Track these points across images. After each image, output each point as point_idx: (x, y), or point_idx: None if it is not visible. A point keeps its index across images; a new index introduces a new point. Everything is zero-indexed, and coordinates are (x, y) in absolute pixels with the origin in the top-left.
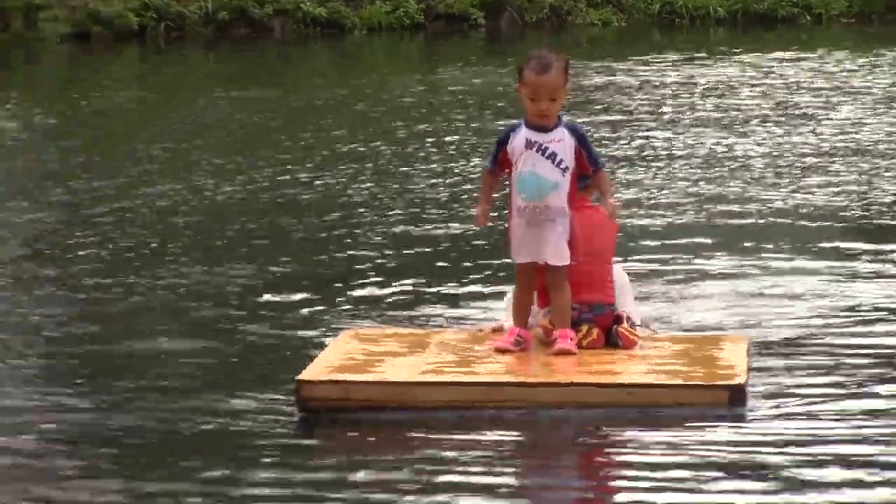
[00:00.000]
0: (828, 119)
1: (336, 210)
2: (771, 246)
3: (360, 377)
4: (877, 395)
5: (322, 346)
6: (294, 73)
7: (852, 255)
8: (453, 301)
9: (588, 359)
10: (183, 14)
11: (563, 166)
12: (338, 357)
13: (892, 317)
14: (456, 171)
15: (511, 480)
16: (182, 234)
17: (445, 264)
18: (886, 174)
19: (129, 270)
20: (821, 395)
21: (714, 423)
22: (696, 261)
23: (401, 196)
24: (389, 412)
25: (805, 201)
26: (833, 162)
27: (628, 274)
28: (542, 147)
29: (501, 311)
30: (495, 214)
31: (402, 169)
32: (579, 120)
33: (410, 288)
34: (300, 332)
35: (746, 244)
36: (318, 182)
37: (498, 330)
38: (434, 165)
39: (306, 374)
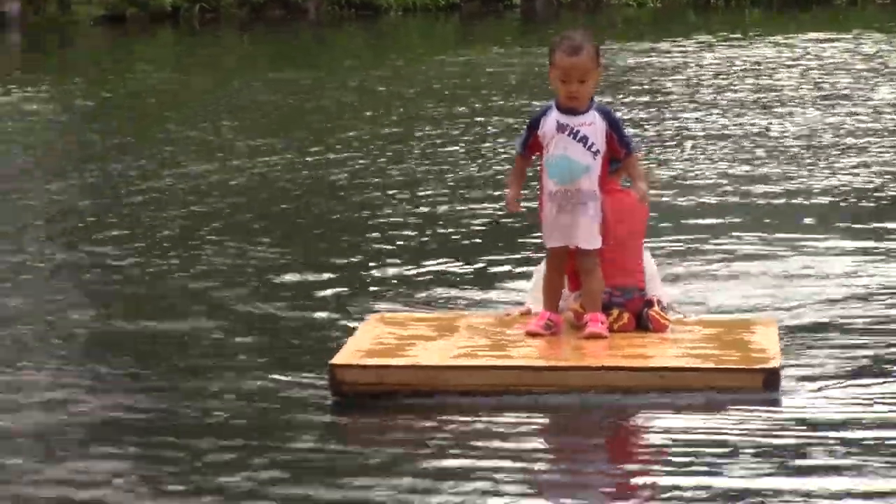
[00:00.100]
0: (864, 100)
1: (369, 191)
2: (805, 226)
3: (393, 361)
4: None
5: (347, 328)
6: (329, 54)
7: (887, 236)
8: (482, 283)
9: (619, 342)
10: None
11: (594, 149)
12: (368, 341)
13: None
14: (490, 152)
15: (540, 465)
16: (215, 216)
17: (476, 246)
18: None
19: (160, 251)
20: (854, 378)
21: (747, 406)
22: (729, 242)
23: (434, 177)
24: (419, 396)
25: (841, 182)
26: (869, 143)
27: (661, 254)
28: (574, 130)
29: (528, 295)
30: (526, 192)
31: (436, 150)
32: (614, 101)
33: (439, 270)
34: (327, 315)
35: (780, 225)
36: (351, 163)
37: (526, 314)
38: (469, 147)
39: (339, 359)
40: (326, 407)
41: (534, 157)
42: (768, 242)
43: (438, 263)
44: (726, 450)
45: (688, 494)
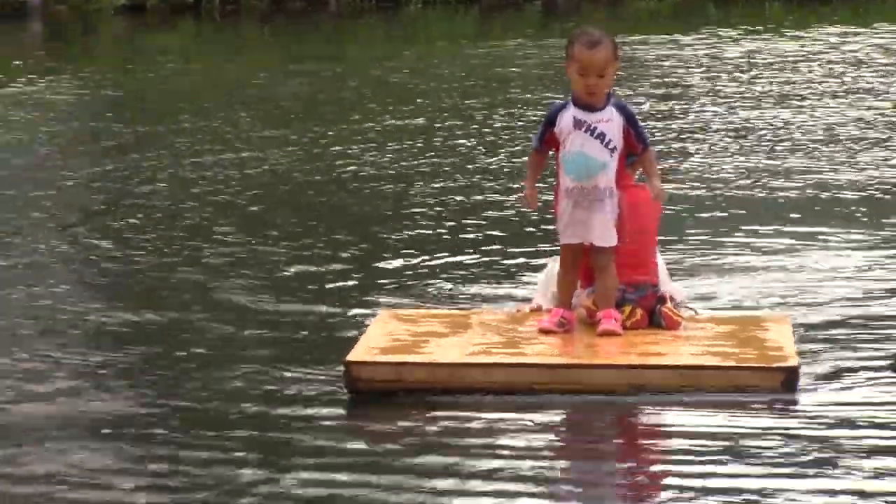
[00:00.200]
0: (887, 94)
1: (385, 184)
2: (825, 222)
3: (410, 358)
4: None
5: (357, 322)
6: (350, 46)
7: None
8: (493, 278)
9: (634, 339)
10: None
11: (611, 146)
12: (382, 337)
13: None
14: (509, 145)
15: (551, 464)
16: (228, 207)
17: (489, 241)
18: None
19: (171, 242)
20: (871, 376)
21: (761, 404)
22: (746, 236)
23: (452, 170)
24: (432, 393)
25: (862, 176)
26: (892, 137)
27: (678, 248)
28: (591, 127)
29: (538, 292)
30: (542, 184)
31: (455, 143)
32: (635, 93)
33: (450, 264)
34: (336, 308)
35: (799, 219)
36: (368, 156)
37: (536, 310)
38: (488, 139)
39: (354, 355)
40: (339, 402)
41: (550, 153)
42: (786, 237)
43: (450, 257)
44: (742, 449)
45: (701, 494)
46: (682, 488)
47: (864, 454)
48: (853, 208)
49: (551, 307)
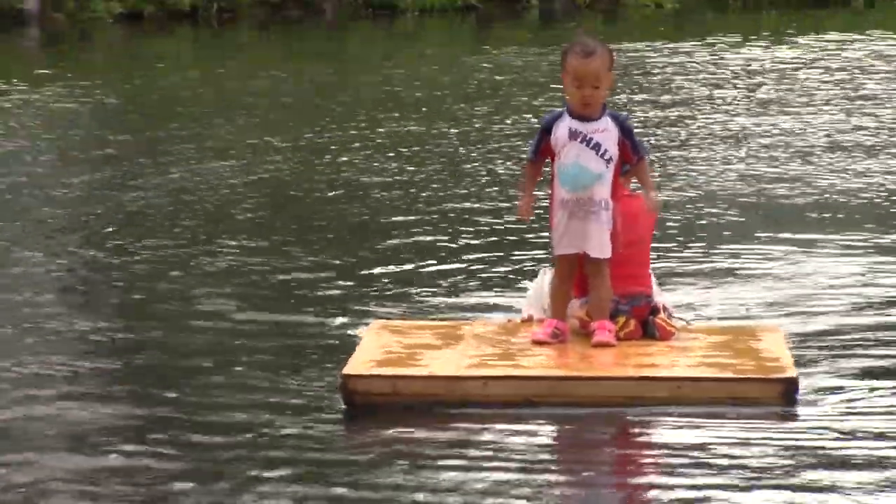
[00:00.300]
0: (887, 102)
1: (381, 192)
2: (824, 230)
3: (407, 371)
4: None
5: (348, 331)
6: (346, 54)
7: None
8: (484, 288)
9: (628, 351)
10: None
11: (606, 157)
12: (377, 350)
13: None
14: (506, 153)
15: (547, 476)
16: (223, 216)
17: (481, 250)
18: None
19: (165, 250)
20: (868, 385)
21: (757, 416)
22: (744, 243)
23: (447, 178)
24: (425, 406)
25: (862, 184)
26: (891, 145)
27: (675, 256)
28: (587, 137)
29: (528, 302)
30: (540, 193)
31: (450, 150)
32: (633, 102)
33: (441, 273)
34: (327, 319)
35: (798, 227)
36: (365, 163)
37: (527, 321)
38: (485, 147)
39: (351, 369)
40: (333, 414)
41: (544, 164)
42: (784, 245)
43: (442, 266)
44: (742, 462)
45: None
46: (683, 501)
47: (864, 466)
48: (852, 216)
49: (542, 317)
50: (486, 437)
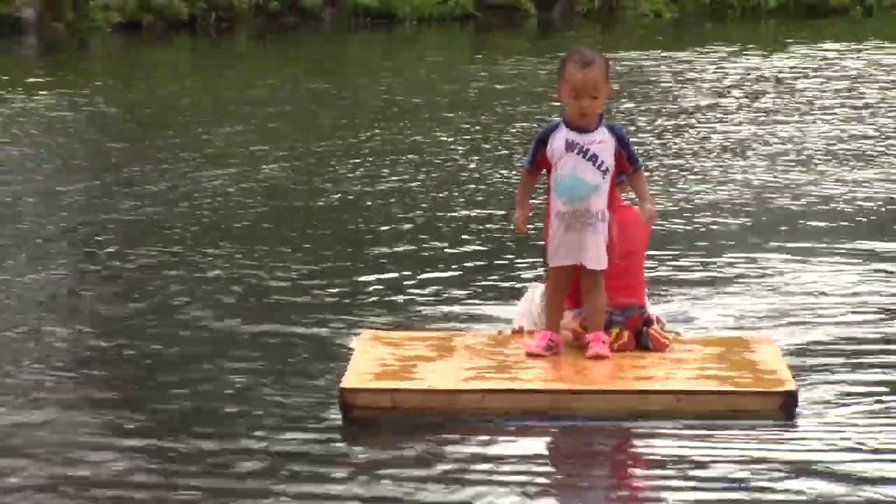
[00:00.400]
0: (887, 111)
1: (377, 201)
2: (824, 239)
3: (406, 385)
4: None
5: (339, 342)
6: (344, 63)
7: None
8: (475, 298)
9: (623, 363)
10: (233, 4)
11: (603, 168)
12: (371, 362)
13: None
14: (504, 162)
15: (544, 490)
16: (220, 224)
17: (473, 258)
18: None
19: (157, 261)
20: (864, 399)
21: (754, 428)
22: (741, 252)
23: (443, 187)
24: (420, 417)
25: (862, 194)
26: (888, 153)
27: (673, 265)
28: (584, 149)
29: (519, 313)
30: (535, 201)
31: (448, 158)
32: (634, 111)
33: (430, 281)
34: (319, 329)
35: (798, 237)
36: (362, 171)
37: (518, 332)
38: (483, 156)
39: (349, 382)
40: (328, 425)
41: (540, 175)
42: (782, 253)
43: (433, 275)
44: (741, 476)
45: None
46: None
47: (863, 481)
48: (851, 225)
49: (533, 329)
50: (482, 449)
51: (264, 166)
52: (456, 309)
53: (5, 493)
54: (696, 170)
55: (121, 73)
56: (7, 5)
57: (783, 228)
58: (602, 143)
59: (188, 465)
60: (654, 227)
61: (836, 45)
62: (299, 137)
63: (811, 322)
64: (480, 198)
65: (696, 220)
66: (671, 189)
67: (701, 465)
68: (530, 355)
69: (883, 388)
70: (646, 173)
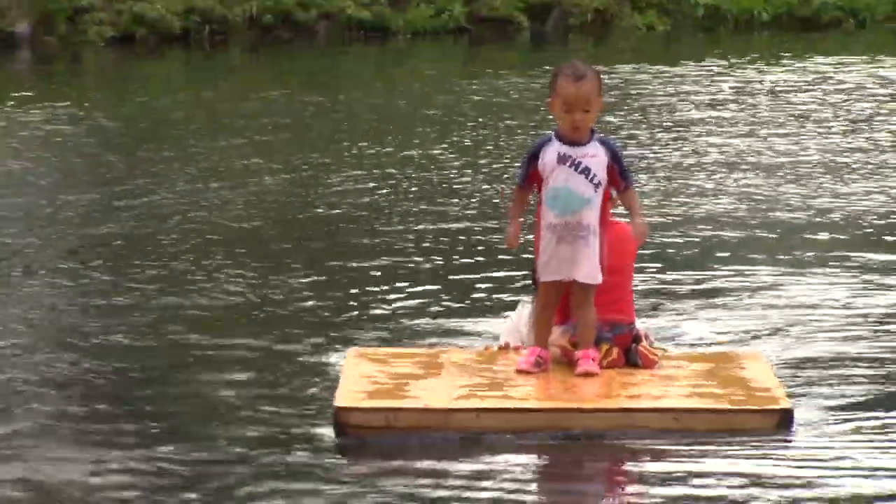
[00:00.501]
0: (882, 124)
1: (371, 214)
2: (818, 253)
3: (401, 404)
4: None
5: (323, 357)
6: (337, 76)
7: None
8: (459, 314)
9: (613, 380)
10: (226, 17)
11: (595, 181)
12: (361, 380)
13: None
14: (497, 176)
15: None
16: (211, 238)
17: (460, 271)
18: None
19: (146, 275)
20: (858, 415)
21: (748, 444)
22: (735, 265)
23: (438, 200)
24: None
25: (859, 208)
26: (885, 167)
27: (665, 280)
28: (576, 162)
29: (506, 329)
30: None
31: (442, 172)
32: (626, 124)
33: (415, 295)
34: (303, 343)
35: (792, 250)
36: (354, 185)
37: (505, 348)
38: (476, 170)
39: (343, 401)
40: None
41: (532, 190)
42: (777, 266)
43: (420, 288)
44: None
45: None
46: None
47: (858, 498)
48: (846, 238)
49: (520, 345)
50: (474, 465)
51: (257, 180)
52: (445, 323)
53: None
54: (689, 183)
55: (114, 87)
56: (0, 20)
57: (777, 242)
58: (594, 156)
59: (174, 480)
60: (643, 243)
61: (830, 58)
62: (293, 150)
63: (805, 336)
64: (473, 212)
65: (689, 233)
66: (665, 202)
67: (694, 481)
68: (519, 372)
69: (877, 403)
70: (637, 189)
